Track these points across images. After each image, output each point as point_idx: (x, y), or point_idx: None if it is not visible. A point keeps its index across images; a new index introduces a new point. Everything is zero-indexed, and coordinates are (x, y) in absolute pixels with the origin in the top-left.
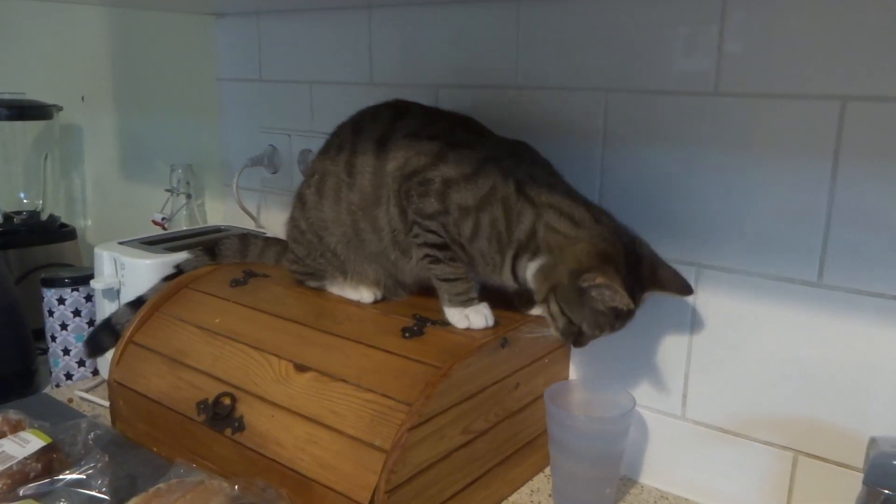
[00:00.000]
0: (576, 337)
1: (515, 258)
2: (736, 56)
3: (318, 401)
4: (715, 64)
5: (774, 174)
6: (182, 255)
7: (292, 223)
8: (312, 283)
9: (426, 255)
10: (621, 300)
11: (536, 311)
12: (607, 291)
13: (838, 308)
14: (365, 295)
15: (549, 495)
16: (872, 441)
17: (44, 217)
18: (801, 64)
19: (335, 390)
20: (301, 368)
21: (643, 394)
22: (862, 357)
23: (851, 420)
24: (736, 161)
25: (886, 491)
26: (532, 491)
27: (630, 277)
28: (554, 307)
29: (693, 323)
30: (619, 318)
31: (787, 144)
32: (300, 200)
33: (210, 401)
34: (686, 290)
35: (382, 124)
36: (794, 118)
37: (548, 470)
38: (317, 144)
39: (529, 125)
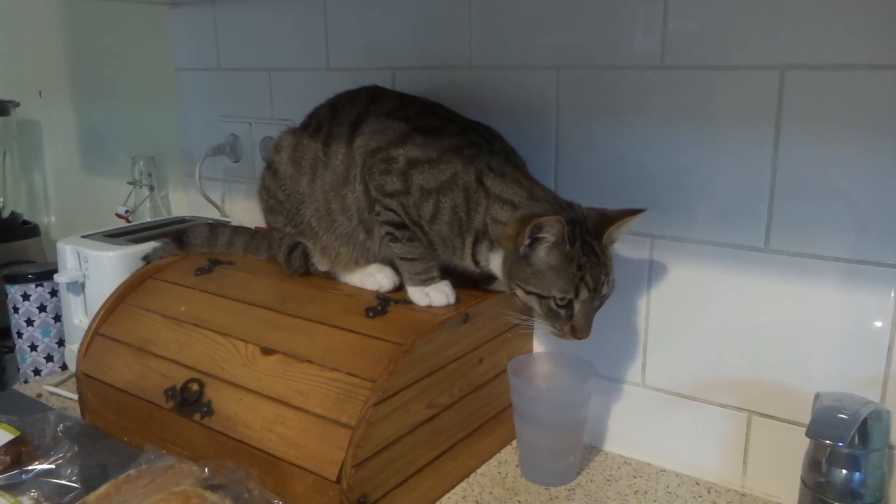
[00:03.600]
0: (567, 318)
1: (475, 244)
2: (680, 29)
3: (284, 382)
4: (660, 38)
5: (721, 144)
6: (147, 246)
7: (268, 193)
8: (321, 267)
9: (387, 233)
10: (551, 228)
11: (497, 286)
12: (540, 234)
13: (784, 272)
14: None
15: (517, 466)
16: (817, 396)
17: (5, 215)
18: (742, 35)
19: (301, 371)
20: (267, 351)
21: (604, 364)
22: (807, 317)
23: (799, 379)
24: (684, 133)
25: (829, 441)
26: (500, 462)
27: (575, 230)
28: (521, 292)
29: (650, 293)
30: (582, 268)
31: (731, 115)
32: (270, 169)
33: (178, 387)
34: (636, 210)
35: (357, 108)
36: (736, 89)
37: (515, 442)
38: (277, 132)
39: (485, 104)
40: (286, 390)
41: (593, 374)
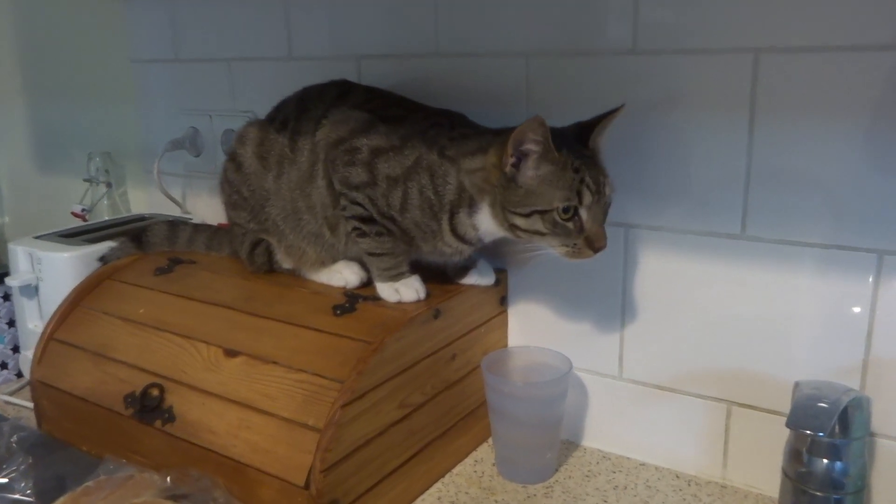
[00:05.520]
0: (578, 230)
1: (453, 218)
2: (652, 13)
3: (249, 385)
4: (632, 22)
5: (696, 131)
6: (104, 245)
7: (230, 187)
8: (286, 265)
9: (354, 229)
10: (534, 133)
11: (469, 279)
12: (524, 146)
13: (761, 259)
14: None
15: (493, 464)
16: (796, 385)
17: None
18: (714, 18)
19: (266, 373)
20: (231, 353)
21: (581, 357)
22: (785, 305)
23: (778, 368)
24: (658, 120)
25: (809, 431)
26: (476, 461)
27: (557, 140)
28: (521, 220)
29: (625, 284)
30: (579, 171)
31: (706, 101)
32: (234, 161)
33: (138, 393)
34: (614, 109)
35: (326, 103)
36: (709, 74)
37: (491, 440)
38: (239, 124)
39: (454, 94)
40: (251, 393)
41: (570, 368)
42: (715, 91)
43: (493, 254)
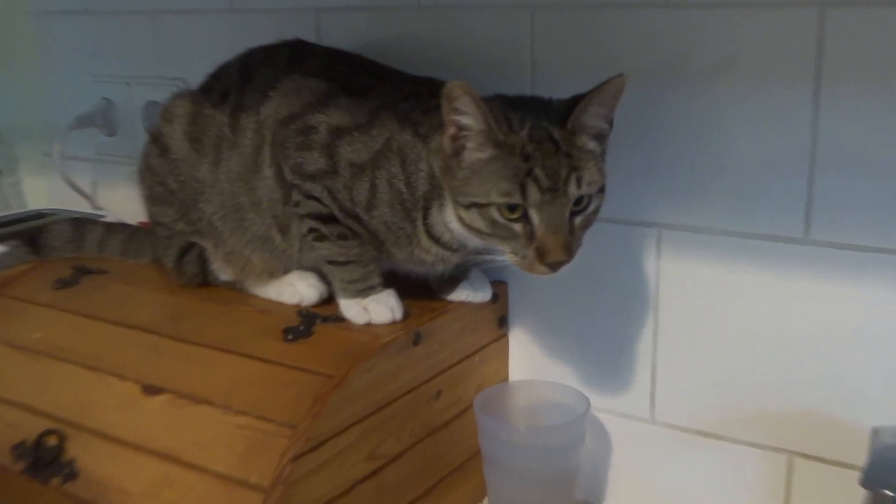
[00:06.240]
0: (527, 235)
1: (427, 218)
2: None
3: (174, 431)
4: None
5: (746, 105)
6: None
7: (153, 177)
8: (224, 277)
9: (310, 230)
10: (451, 94)
11: (459, 294)
12: (457, 115)
13: (831, 269)
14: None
15: None
16: (875, 432)
17: None
18: None
19: (197, 416)
20: (151, 390)
21: (601, 394)
22: (860, 329)
23: (852, 409)
24: (699, 92)
25: (890, 493)
26: None
27: (520, 115)
28: (463, 212)
29: (657, 299)
30: (530, 159)
31: (759, 67)
32: (158, 144)
33: (30, 442)
34: (608, 81)
35: (276, 70)
36: (764, 33)
37: (487, 501)
38: (165, 95)
39: (438, 57)
40: (177, 442)
41: (587, 408)
42: (772, 55)
43: (490, 261)
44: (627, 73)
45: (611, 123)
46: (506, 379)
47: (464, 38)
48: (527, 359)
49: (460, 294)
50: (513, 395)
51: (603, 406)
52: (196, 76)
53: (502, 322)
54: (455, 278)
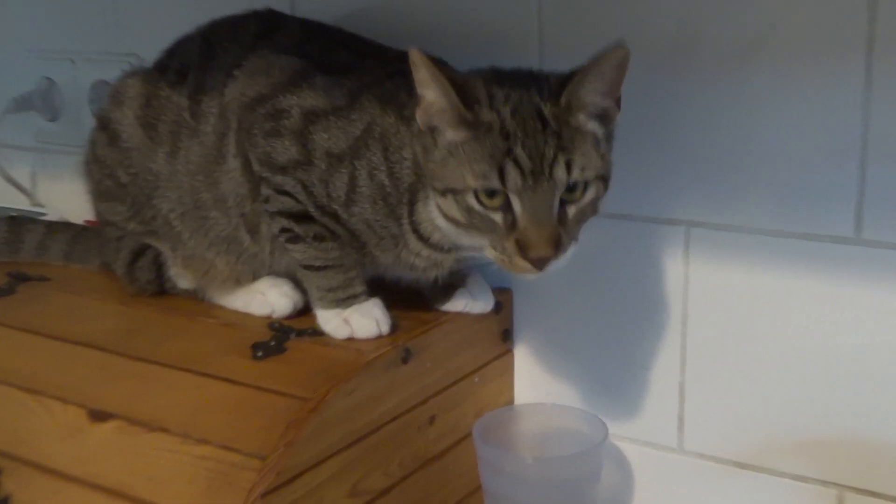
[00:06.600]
0: (507, 226)
1: (413, 214)
2: None
3: (125, 463)
4: None
5: (785, 85)
6: None
7: (101, 169)
8: (183, 284)
9: (282, 230)
10: (413, 65)
11: (456, 303)
12: (424, 90)
13: (886, 274)
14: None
15: None
16: None
17: None
18: None
19: (152, 445)
20: (99, 416)
21: (621, 419)
22: None
23: None
24: (729, 70)
25: None
26: None
27: (507, 92)
28: (443, 204)
29: (686, 309)
30: (510, 138)
31: (800, 40)
32: (106, 131)
33: None
34: (606, 51)
35: (243, 44)
36: (807, 3)
37: None
38: (116, 74)
39: (431, 30)
40: (128, 476)
41: (605, 435)
42: (812, 26)
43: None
44: (628, 44)
45: (618, 102)
46: (511, 402)
47: (462, 13)
48: (535, 378)
49: (457, 303)
50: (518, 421)
51: (623, 433)
52: (151, 52)
53: (506, 336)
54: (451, 285)
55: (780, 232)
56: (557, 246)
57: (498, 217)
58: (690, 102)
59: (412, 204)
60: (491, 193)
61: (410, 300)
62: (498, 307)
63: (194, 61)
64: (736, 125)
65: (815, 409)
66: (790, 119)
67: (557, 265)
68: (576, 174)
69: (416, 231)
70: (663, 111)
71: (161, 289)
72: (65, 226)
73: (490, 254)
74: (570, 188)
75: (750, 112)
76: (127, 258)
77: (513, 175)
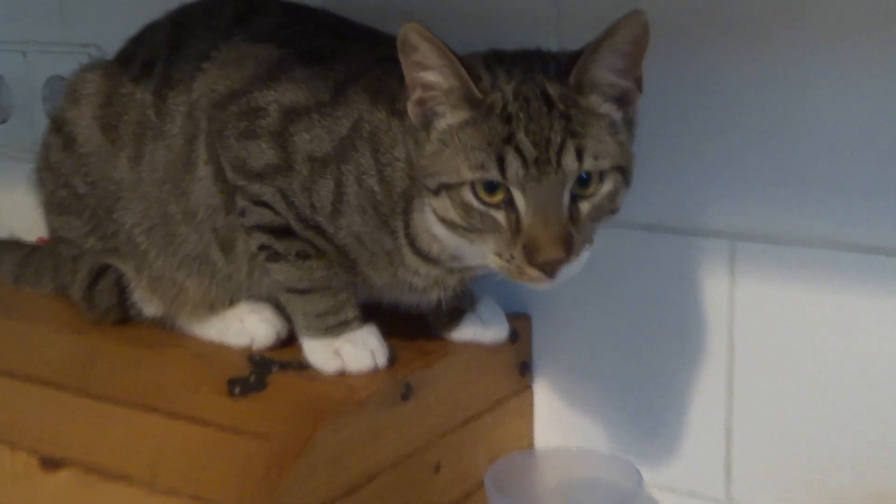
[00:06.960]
0: (511, 227)
1: (408, 226)
2: None
3: None
4: None
5: (842, 70)
6: None
7: (55, 178)
8: (149, 310)
9: (261, 248)
10: (406, 43)
11: (464, 331)
12: (417, 73)
13: None
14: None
15: None
16: None
17: None
18: None
19: (111, 496)
20: (51, 464)
21: (658, 465)
22: None
23: None
24: (779, 55)
25: None
26: None
27: (509, 69)
28: (437, 205)
29: (731, 335)
30: (512, 121)
31: (855, 19)
32: (61, 134)
33: None
34: (619, 22)
35: (217, 32)
36: None
37: None
38: (72, 66)
39: (430, 10)
40: None
41: (639, 485)
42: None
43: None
44: (644, 10)
45: (639, 83)
46: (530, 446)
47: None
48: (557, 418)
49: (465, 331)
50: (539, 468)
51: (661, 482)
52: (114, 43)
53: (524, 369)
54: (458, 309)
55: (839, 244)
56: (568, 247)
57: (500, 216)
58: (732, 94)
59: (407, 214)
60: (490, 187)
61: (411, 327)
62: (514, 336)
63: (160, 52)
64: (785, 122)
65: (885, 452)
66: (849, 112)
67: (570, 271)
68: (588, 163)
69: (412, 245)
70: (700, 105)
71: (124, 315)
72: (13, 244)
73: (495, 263)
74: (583, 180)
75: (803, 104)
76: (85, 280)
77: (514, 164)
